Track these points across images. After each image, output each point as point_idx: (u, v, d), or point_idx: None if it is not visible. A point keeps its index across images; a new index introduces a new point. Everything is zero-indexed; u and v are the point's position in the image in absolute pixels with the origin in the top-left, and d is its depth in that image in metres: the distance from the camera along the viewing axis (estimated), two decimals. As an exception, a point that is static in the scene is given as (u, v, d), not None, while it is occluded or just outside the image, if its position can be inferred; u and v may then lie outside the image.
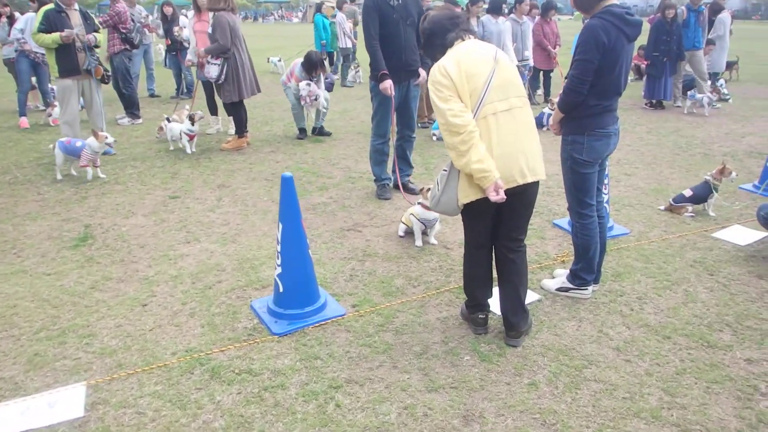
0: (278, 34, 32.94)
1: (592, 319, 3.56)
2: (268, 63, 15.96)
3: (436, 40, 3.06)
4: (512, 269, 3.16)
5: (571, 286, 3.78)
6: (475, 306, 3.34)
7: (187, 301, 3.76)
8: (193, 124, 7.26)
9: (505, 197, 2.84)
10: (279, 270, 3.43)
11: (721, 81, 11.76)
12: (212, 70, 6.84)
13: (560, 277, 3.89)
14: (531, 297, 3.77)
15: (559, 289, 3.82)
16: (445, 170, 3.06)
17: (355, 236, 4.80)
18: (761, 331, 3.45)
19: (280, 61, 15.56)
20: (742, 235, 4.86)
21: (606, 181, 4.60)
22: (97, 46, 6.58)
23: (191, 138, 7.25)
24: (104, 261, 4.34)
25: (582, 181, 3.51)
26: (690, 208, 5.34)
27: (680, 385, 2.96)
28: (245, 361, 3.12)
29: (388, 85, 5.03)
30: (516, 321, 3.22)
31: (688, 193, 5.34)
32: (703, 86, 10.63)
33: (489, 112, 2.86)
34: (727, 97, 11.53)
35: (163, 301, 3.76)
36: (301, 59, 7.90)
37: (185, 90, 11.06)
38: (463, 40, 3.01)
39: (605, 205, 4.64)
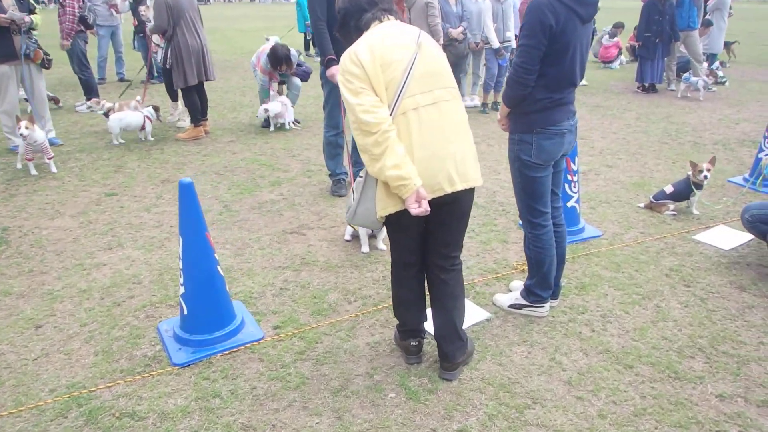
0: (273, 14, 32.19)
1: (546, 344, 3.10)
2: (266, 41, 15.30)
3: (351, 21, 2.56)
4: (445, 291, 2.69)
5: (525, 302, 3.32)
6: (407, 332, 2.88)
7: (87, 321, 3.30)
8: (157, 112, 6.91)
9: (430, 209, 2.37)
10: (182, 290, 2.97)
11: (717, 63, 11.19)
12: (159, 54, 6.33)
13: (515, 291, 3.43)
14: (479, 315, 3.31)
15: (512, 306, 3.36)
16: (361, 177, 2.58)
17: (297, 240, 4.33)
18: (738, 357, 2.99)
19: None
20: (727, 237, 4.38)
21: (575, 179, 4.12)
22: (33, 29, 6.05)
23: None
24: (10, 272, 3.88)
25: (532, 186, 3.03)
26: (671, 206, 4.86)
27: (637, 430, 2.50)
28: (132, 401, 2.67)
29: (335, 71, 4.53)
30: (451, 351, 2.76)
31: (669, 189, 4.86)
32: (699, 69, 10.07)
33: (409, 107, 2.37)
34: (723, 80, 10.98)
35: (61, 321, 3.31)
36: (271, 44, 7.38)
37: (156, 74, 10.53)
38: (381, 21, 2.51)
39: (575, 204, 4.18)
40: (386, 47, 2.39)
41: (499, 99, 8.92)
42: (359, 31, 2.53)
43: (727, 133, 7.48)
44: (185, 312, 2.99)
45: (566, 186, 4.24)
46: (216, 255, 3.01)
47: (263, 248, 4.21)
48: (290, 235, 4.44)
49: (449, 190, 2.41)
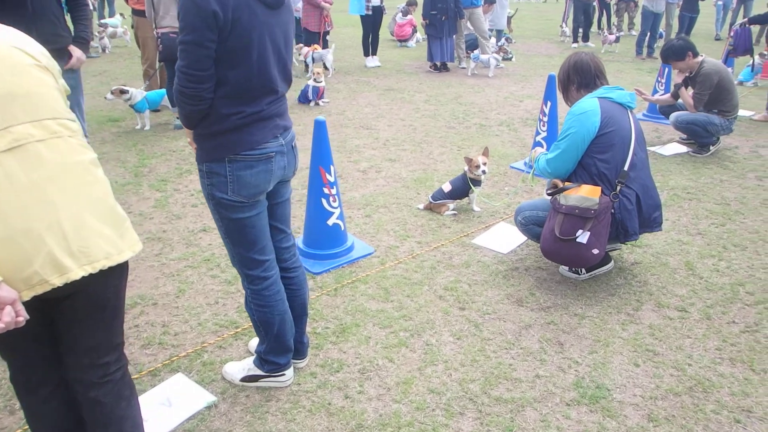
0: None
1: (282, 430, 2.36)
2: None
3: None
4: (102, 415, 1.82)
5: (260, 373, 2.57)
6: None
7: None
8: None
9: (27, 316, 1.48)
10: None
11: (503, 40, 11.34)
12: None
13: (249, 359, 2.65)
14: (195, 403, 2.49)
15: (245, 380, 2.60)
16: None
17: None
18: (512, 403, 2.50)
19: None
20: (506, 238, 3.99)
21: (333, 192, 3.44)
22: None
23: None
24: None
25: (238, 231, 2.25)
26: (451, 206, 4.40)
27: None
28: None
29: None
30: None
31: (447, 187, 4.38)
32: (486, 46, 10.03)
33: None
34: (510, 55, 11.14)
35: None
36: None
37: None
38: None
39: (337, 221, 3.50)
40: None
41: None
42: None
43: (511, 112, 7.35)
44: None
45: (324, 201, 3.55)
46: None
47: None
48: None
49: (58, 282, 1.54)
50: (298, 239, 3.83)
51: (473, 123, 6.85)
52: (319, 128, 3.50)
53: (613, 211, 3.18)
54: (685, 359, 2.80)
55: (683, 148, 5.86)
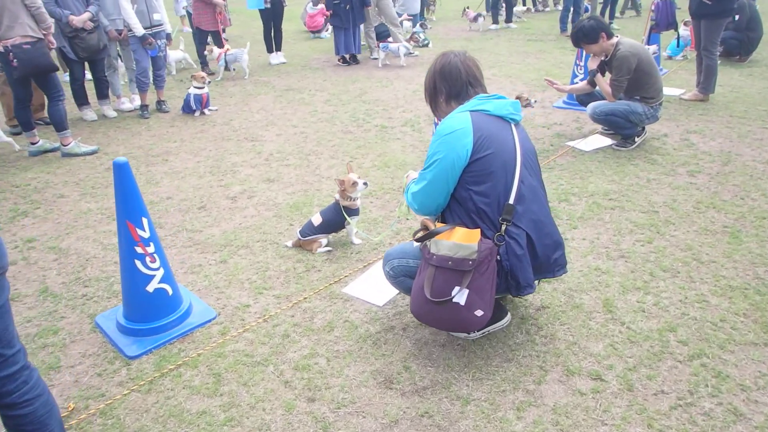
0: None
1: None
2: None
3: None
4: None
5: None
6: None
7: None
8: None
9: None
10: None
11: (417, 26, 10.54)
12: None
13: None
14: None
15: None
16: None
17: None
18: None
19: None
20: (385, 282, 3.13)
21: (151, 250, 2.56)
22: None
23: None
24: None
25: None
26: (324, 241, 3.55)
27: None
28: None
29: None
30: None
31: (316, 220, 3.54)
32: (397, 33, 9.20)
33: None
34: (426, 41, 10.35)
35: None
36: None
37: None
38: None
39: (161, 286, 2.62)
40: None
41: (164, 97, 7.19)
42: None
43: (419, 108, 6.54)
44: None
45: (138, 263, 2.68)
46: None
47: None
48: None
49: None
50: (119, 312, 2.95)
51: (374, 125, 6.01)
52: (121, 173, 2.60)
53: (498, 257, 2.38)
54: (598, 467, 2.04)
55: (606, 141, 5.17)
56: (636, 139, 5.00)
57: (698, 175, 4.42)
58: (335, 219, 3.50)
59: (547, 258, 2.48)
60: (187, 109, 6.71)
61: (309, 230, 3.54)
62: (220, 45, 8.53)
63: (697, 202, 3.98)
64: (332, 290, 3.16)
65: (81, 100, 6.59)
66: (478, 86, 2.56)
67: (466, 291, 2.32)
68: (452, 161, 2.38)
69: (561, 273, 2.57)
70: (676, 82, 7.09)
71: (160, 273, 2.79)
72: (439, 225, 2.48)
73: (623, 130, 4.92)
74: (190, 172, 4.95)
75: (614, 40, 4.74)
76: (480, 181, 2.38)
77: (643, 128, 5.05)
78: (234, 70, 8.49)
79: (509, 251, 2.38)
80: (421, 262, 2.46)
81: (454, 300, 2.33)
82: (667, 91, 5.97)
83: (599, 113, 4.88)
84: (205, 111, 6.71)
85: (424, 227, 2.53)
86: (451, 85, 2.55)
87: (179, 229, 3.94)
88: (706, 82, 6.12)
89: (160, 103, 6.96)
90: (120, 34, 6.51)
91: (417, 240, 2.47)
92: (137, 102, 6.97)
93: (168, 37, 7.02)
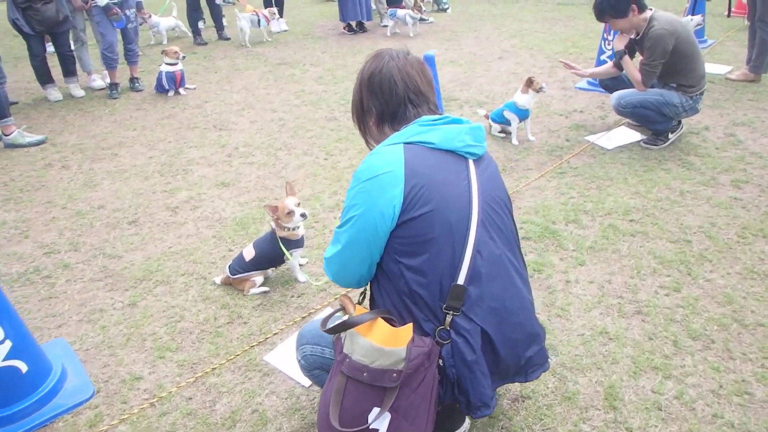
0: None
1: None
2: None
3: None
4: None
5: None
6: None
7: None
8: None
9: None
10: None
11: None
12: None
13: None
14: None
15: None
16: None
17: None
18: None
19: None
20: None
21: None
22: None
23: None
24: None
25: None
26: (259, 280, 2.81)
27: None
28: None
29: None
30: None
31: (249, 253, 2.80)
32: (406, -2, 8.26)
33: None
34: (446, 6, 9.36)
35: None
36: None
37: None
38: None
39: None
40: None
41: (137, 74, 6.47)
42: None
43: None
44: None
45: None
46: None
47: None
48: None
49: None
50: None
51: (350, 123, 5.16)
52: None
53: (441, 362, 1.61)
54: None
55: (634, 136, 4.27)
56: (670, 135, 4.09)
57: (745, 186, 3.52)
58: (271, 252, 2.75)
59: (516, 359, 1.70)
60: (160, 89, 5.97)
61: (239, 266, 2.80)
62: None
63: (742, 228, 3.11)
64: (252, 356, 2.43)
65: (43, 78, 5.91)
66: (422, 104, 1.75)
67: (388, 416, 1.56)
68: (373, 222, 1.60)
69: (539, 373, 1.79)
70: (723, 56, 6.03)
71: (4, 347, 2.09)
72: (360, 310, 1.70)
73: (655, 125, 4.01)
74: (138, 171, 4.25)
75: (648, 14, 3.80)
76: (413, 252, 1.59)
77: (679, 122, 4.12)
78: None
79: (456, 355, 1.61)
80: (334, 364, 1.70)
81: (371, 428, 1.57)
82: (709, 68, 4.95)
83: (625, 105, 3.97)
84: (181, 90, 5.97)
85: (342, 307, 1.75)
86: (382, 102, 1.75)
87: (96, 253, 3.25)
88: (759, 60, 5.09)
89: (133, 80, 6.25)
90: (87, 3, 5.76)
91: (327, 331, 1.69)
92: (109, 79, 6.25)
93: (139, 5, 6.24)
